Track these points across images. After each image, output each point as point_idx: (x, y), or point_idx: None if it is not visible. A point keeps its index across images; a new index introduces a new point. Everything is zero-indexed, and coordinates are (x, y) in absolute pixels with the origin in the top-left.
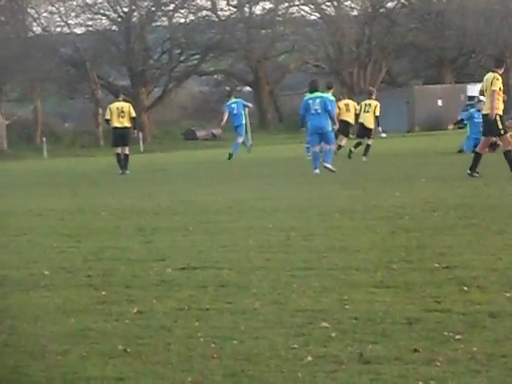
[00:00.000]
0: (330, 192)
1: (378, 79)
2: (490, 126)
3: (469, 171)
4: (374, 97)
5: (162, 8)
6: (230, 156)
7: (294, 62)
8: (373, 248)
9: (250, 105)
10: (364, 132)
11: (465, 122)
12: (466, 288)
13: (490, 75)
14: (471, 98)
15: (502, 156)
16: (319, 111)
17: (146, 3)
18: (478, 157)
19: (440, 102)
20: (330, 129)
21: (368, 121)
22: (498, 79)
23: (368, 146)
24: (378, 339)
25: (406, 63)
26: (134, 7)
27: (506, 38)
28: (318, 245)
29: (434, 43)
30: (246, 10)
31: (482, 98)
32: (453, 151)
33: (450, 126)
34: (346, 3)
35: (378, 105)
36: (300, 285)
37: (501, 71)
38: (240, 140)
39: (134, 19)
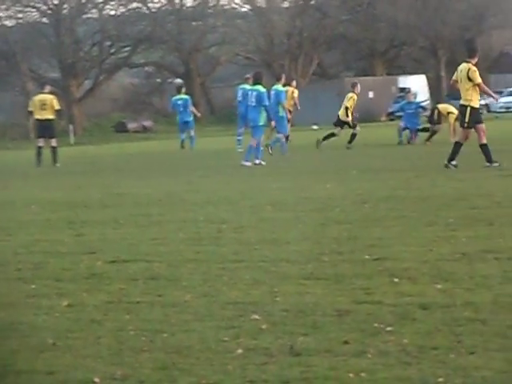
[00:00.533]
0: (261, 184)
1: (309, 71)
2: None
3: (446, 162)
4: (356, 91)
5: (93, 0)
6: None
7: (225, 54)
8: (303, 240)
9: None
10: (339, 123)
11: (396, 113)
12: (396, 280)
13: (463, 66)
14: (402, 89)
15: (433, 148)
16: (254, 104)
17: None
18: (457, 147)
19: (371, 94)
20: (261, 123)
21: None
22: (475, 71)
23: (353, 134)
24: (309, 331)
25: (338, 55)
26: None
27: (437, 30)
28: (248, 237)
29: (365, 35)
30: (177, 1)
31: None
32: (384, 143)
33: (383, 118)
34: None
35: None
36: (231, 277)
37: (474, 61)
38: (192, 132)
39: (65, 11)
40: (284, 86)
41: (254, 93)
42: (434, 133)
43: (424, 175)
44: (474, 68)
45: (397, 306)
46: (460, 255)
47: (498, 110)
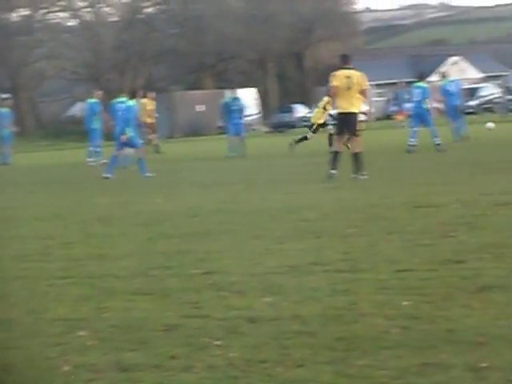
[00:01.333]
0: (90, 199)
1: (138, 85)
2: (347, 123)
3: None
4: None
5: None
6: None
7: (52, 68)
8: (132, 255)
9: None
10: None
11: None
12: (224, 293)
13: (352, 73)
14: None
15: (267, 161)
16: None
17: None
18: (336, 156)
19: (200, 108)
20: (131, 135)
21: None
22: (363, 77)
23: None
24: (137, 347)
25: (166, 69)
26: None
27: (265, 43)
28: (76, 253)
29: (193, 49)
30: (2, 16)
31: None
32: (214, 156)
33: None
34: (105, 9)
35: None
36: (58, 293)
37: (347, 66)
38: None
39: None
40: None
41: (123, 105)
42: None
43: (253, 188)
44: (362, 76)
45: (225, 319)
46: (288, 268)
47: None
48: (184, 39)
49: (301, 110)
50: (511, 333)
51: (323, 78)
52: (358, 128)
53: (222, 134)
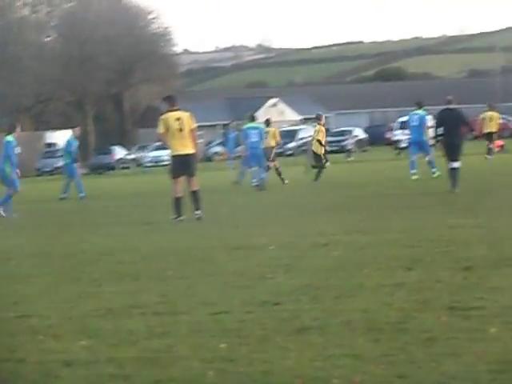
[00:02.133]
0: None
1: None
2: (185, 165)
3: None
4: (322, 122)
5: None
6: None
7: None
8: None
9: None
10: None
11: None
12: (41, 337)
13: (183, 114)
14: (50, 144)
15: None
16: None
17: None
18: (178, 201)
19: (18, 150)
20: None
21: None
22: (191, 117)
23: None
24: None
25: None
26: None
27: (84, 84)
28: None
29: (10, 90)
30: None
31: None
32: (34, 198)
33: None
34: None
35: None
36: None
37: (175, 107)
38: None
39: None
40: None
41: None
42: None
43: (70, 231)
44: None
45: (41, 363)
46: (105, 311)
47: (147, 165)
48: (1, 80)
49: (120, 152)
50: (327, 374)
51: (143, 120)
52: (195, 168)
53: (39, 175)
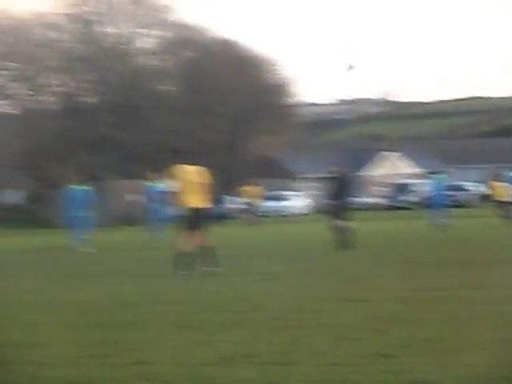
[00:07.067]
0: None
1: (75, 173)
2: (201, 218)
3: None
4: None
5: None
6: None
7: None
8: (65, 343)
9: None
10: None
11: None
12: None
13: (195, 168)
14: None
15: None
16: None
17: None
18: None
19: (131, 197)
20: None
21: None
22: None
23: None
24: None
25: (104, 158)
26: None
27: (199, 133)
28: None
29: (133, 138)
30: None
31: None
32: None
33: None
34: (42, 98)
35: None
36: None
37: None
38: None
39: None
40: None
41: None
42: None
43: (190, 279)
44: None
45: None
46: (218, 359)
47: (260, 214)
48: (124, 129)
49: (230, 200)
50: None
51: (258, 169)
52: (209, 222)
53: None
